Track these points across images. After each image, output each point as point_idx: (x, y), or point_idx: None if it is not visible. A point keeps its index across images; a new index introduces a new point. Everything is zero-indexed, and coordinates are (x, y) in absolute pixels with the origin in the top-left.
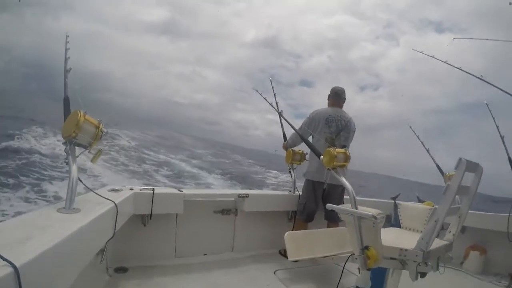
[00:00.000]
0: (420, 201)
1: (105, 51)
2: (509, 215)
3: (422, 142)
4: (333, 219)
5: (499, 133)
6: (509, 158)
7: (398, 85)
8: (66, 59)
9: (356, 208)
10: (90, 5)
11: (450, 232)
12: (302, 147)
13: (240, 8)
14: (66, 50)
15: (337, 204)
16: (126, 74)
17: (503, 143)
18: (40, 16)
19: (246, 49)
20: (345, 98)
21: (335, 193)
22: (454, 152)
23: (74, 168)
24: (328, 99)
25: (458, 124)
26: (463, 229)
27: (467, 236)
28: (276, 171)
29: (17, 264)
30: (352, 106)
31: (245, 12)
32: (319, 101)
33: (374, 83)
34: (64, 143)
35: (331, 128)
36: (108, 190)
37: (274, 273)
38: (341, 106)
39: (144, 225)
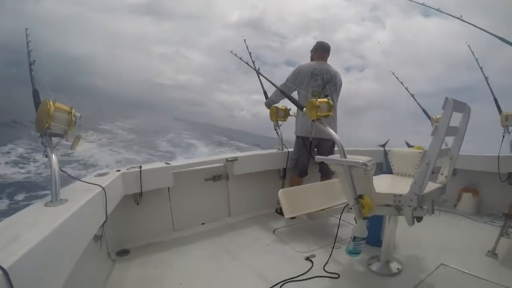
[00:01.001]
0: (409, 146)
1: (88, 34)
2: (498, 156)
3: (406, 88)
4: (326, 173)
5: (483, 74)
6: (494, 98)
7: (382, 67)
8: (28, 52)
9: (345, 157)
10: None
11: (442, 174)
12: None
13: None
14: (28, 43)
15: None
16: (109, 57)
17: (488, 84)
18: (22, 0)
19: (230, 30)
20: (329, 52)
21: (326, 146)
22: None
23: (54, 159)
24: (311, 52)
25: (439, 107)
26: (454, 172)
27: (459, 179)
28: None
29: (5, 266)
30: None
31: None
32: None
33: (359, 64)
34: (40, 136)
35: (317, 82)
36: (95, 176)
37: (273, 232)
38: (326, 60)
39: (138, 204)
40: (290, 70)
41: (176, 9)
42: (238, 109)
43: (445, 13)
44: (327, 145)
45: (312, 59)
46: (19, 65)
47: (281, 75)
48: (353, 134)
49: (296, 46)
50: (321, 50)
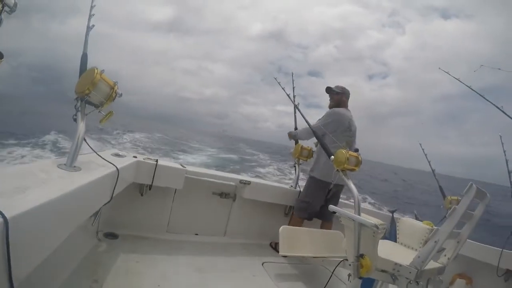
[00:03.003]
0: (417, 219)
1: (112, 51)
2: (502, 250)
3: (429, 162)
4: (327, 218)
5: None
6: None
7: (406, 73)
8: (90, 16)
9: (359, 215)
10: (96, 7)
11: (445, 256)
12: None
13: (245, 2)
14: (92, 7)
15: (334, 205)
16: (133, 73)
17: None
18: (47, 21)
19: (253, 42)
20: None
21: (337, 193)
22: (465, 140)
23: (81, 125)
24: (338, 96)
25: (468, 110)
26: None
27: (457, 263)
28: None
29: (7, 215)
30: (362, 95)
31: (250, 6)
32: None
33: (382, 71)
34: (75, 99)
35: (351, 132)
36: (112, 154)
37: (262, 264)
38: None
39: (142, 195)
40: (313, 80)
41: (197, 25)
42: (262, 121)
43: (488, 101)
44: (339, 192)
45: (338, 104)
46: (45, 84)
47: (304, 86)
48: (377, 142)
49: (318, 56)
50: (347, 98)
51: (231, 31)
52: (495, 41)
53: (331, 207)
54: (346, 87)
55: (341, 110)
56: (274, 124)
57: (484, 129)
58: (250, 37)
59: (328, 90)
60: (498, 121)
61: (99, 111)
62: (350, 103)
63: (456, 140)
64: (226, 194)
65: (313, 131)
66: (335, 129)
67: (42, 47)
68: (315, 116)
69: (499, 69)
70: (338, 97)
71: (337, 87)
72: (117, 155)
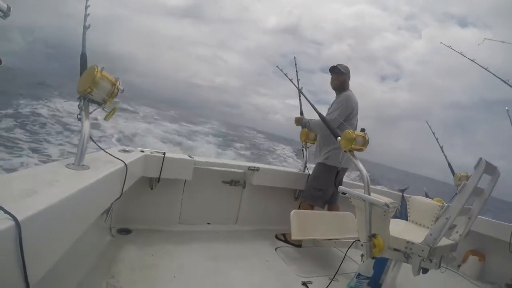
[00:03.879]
0: (428, 196)
1: (127, 34)
2: None
3: (437, 139)
4: (332, 200)
5: None
6: None
7: (418, 77)
8: (85, 16)
9: (369, 194)
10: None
11: (457, 232)
12: None
13: None
14: (86, 7)
15: (337, 187)
16: (147, 56)
17: None
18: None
19: (268, 35)
20: None
21: (342, 175)
22: (472, 150)
23: (86, 124)
24: (342, 78)
25: (478, 121)
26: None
27: (469, 240)
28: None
29: (19, 218)
30: (372, 96)
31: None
32: None
33: (394, 73)
34: (79, 99)
35: (356, 115)
36: (119, 150)
37: (275, 250)
38: None
39: (152, 189)
40: (325, 77)
41: (215, 13)
42: (272, 113)
43: (493, 74)
44: (343, 174)
45: (343, 85)
46: (60, 61)
47: (317, 82)
48: (386, 142)
49: (332, 54)
50: (349, 78)
51: (247, 22)
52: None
53: (341, 188)
54: (356, 85)
55: (350, 94)
56: (284, 117)
57: (491, 141)
58: (265, 30)
59: (332, 69)
60: (506, 135)
61: (103, 109)
62: (361, 103)
63: (462, 149)
64: (235, 181)
65: (327, 123)
66: (348, 115)
67: (58, 24)
68: (323, 111)
69: (503, 42)
70: (343, 77)
71: (341, 65)
72: (124, 151)
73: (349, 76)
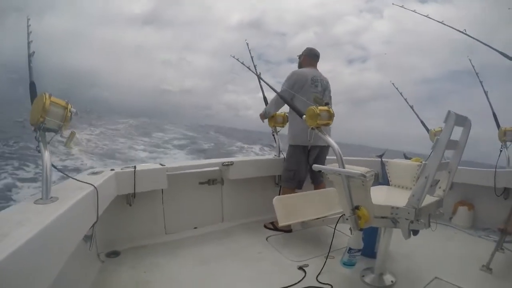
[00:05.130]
0: (407, 158)
1: (89, 48)
2: (495, 170)
3: (405, 99)
4: (317, 181)
5: (483, 89)
6: (493, 112)
7: (385, 57)
8: (28, 43)
9: (344, 167)
10: (70, 3)
11: (440, 188)
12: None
13: None
14: (28, 34)
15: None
16: (111, 68)
17: (487, 98)
18: (23, 20)
19: (232, 32)
20: (319, 59)
21: (321, 155)
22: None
23: (46, 155)
24: (301, 59)
25: (448, 92)
26: (451, 185)
27: (455, 192)
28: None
29: None
30: (342, 80)
31: None
32: None
33: (361, 55)
34: (34, 130)
35: (317, 88)
36: (88, 174)
37: (266, 239)
38: (316, 67)
39: (130, 205)
40: (292, 67)
41: (176, 16)
42: (244, 109)
43: (448, 26)
44: (324, 153)
45: (301, 66)
46: (24, 83)
47: (284, 72)
48: (361, 124)
49: (297, 43)
50: (312, 58)
51: (210, 21)
52: (471, 26)
53: (315, 166)
54: (325, 71)
55: (300, 70)
56: (257, 111)
57: (463, 110)
58: (229, 27)
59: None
60: (475, 102)
61: (61, 135)
62: (331, 88)
63: (436, 121)
64: (213, 180)
65: (280, 96)
66: (297, 88)
67: (18, 46)
68: None
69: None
70: (300, 60)
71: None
72: (93, 173)
73: (311, 55)
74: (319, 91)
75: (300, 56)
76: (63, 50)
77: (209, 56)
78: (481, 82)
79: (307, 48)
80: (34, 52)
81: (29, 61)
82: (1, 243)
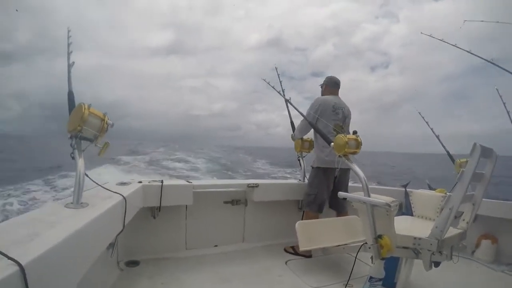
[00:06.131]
0: (431, 188)
1: (117, 81)
2: None
3: (432, 129)
4: (342, 209)
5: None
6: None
7: (406, 59)
8: (68, 53)
9: (369, 196)
10: (96, 41)
11: (463, 220)
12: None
13: (239, 15)
14: (69, 44)
15: (344, 192)
16: (140, 98)
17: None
18: (51, 60)
19: (253, 52)
20: (339, 87)
21: (344, 180)
22: (477, 116)
23: (80, 162)
24: (323, 88)
25: (474, 86)
26: (475, 217)
27: (478, 225)
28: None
29: (22, 263)
30: (367, 88)
31: (243, 18)
32: None
33: (384, 61)
34: (70, 138)
35: (338, 115)
36: (117, 184)
37: (286, 263)
38: (338, 94)
39: (154, 218)
40: (317, 80)
41: (197, 45)
42: (273, 127)
43: (476, 55)
44: (346, 178)
45: (323, 94)
46: (57, 120)
47: (309, 87)
48: (389, 130)
49: (318, 56)
50: (332, 86)
51: (230, 45)
52: (496, 41)
53: (340, 194)
54: (348, 81)
55: (322, 97)
56: (285, 128)
57: (492, 102)
58: (249, 48)
59: None
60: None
61: (95, 145)
62: (355, 96)
63: (469, 118)
64: (237, 200)
65: (308, 122)
66: (321, 115)
67: (49, 85)
68: None
69: (482, 21)
70: (322, 89)
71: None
72: (122, 183)
73: (331, 84)
74: (340, 118)
75: (322, 85)
76: (94, 85)
77: (233, 78)
78: (508, 112)
79: (327, 78)
80: (73, 63)
81: (69, 71)
82: (33, 242)
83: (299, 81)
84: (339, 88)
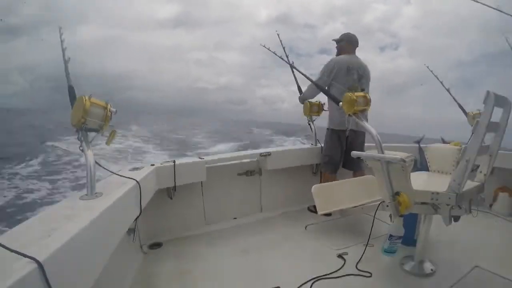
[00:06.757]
0: (444, 142)
1: (124, 53)
2: None
3: (441, 82)
4: (357, 168)
5: None
6: None
7: (417, 42)
8: (63, 50)
9: (383, 153)
10: (102, 12)
11: (481, 172)
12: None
13: None
14: (62, 41)
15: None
16: (147, 71)
17: None
18: (56, 31)
19: (262, 28)
20: (358, 45)
21: (358, 140)
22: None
23: (89, 153)
24: (338, 46)
25: (485, 74)
26: (492, 170)
27: (495, 177)
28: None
29: (40, 259)
30: (376, 68)
31: None
32: None
33: (393, 42)
34: (76, 131)
35: (353, 76)
36: (129, 170)
37: (305, 228)
38: (355, 53)
39: (171, 198)
40: (324, 58)
41: (205, 17)
42: (279, 102)
43: (481, 3)
44: (360, 138)
45: (340, 52)
46: (61, 91)
47: (317, 65)
48: (396, 112)
49: (327, 34)
50: (350, 43)
51: (239, 19)
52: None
53: (354, 153)
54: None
55: (337, 57)
56: (291, 104)
57: (502, 92)
58: (259, 23)
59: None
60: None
61: (102, 134)
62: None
63: (476, 105)
64: (251, 171)
65: (316, 84)
66: (334, 77)
67: (55, 57)
68: None
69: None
70: (339, 45)
71: (343, 34)
72: (134, 169)
73: (350, 41)
74: (355, 79)
75: (337, 41)
76: (100, 57)
77: (241, 52)
78: None
79: (345, 34)
80: (69, 58)
81: (66, 67)
82: (49, 238)
83: (307, 58)
84: (357, 46)
